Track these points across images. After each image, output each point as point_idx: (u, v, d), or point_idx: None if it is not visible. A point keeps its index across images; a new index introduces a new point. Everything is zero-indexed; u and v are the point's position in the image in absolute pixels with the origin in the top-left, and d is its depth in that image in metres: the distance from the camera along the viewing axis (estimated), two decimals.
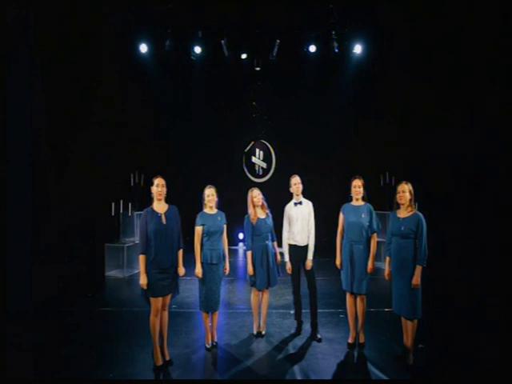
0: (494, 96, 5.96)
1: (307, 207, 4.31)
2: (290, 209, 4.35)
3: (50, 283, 5.81)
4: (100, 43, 6.89)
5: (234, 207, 5.48)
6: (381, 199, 6.95)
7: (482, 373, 3.54)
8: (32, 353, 3.90)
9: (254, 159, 9.18)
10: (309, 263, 4.22)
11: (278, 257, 4.32)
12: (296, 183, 4.29)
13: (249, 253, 4.16)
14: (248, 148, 9.15)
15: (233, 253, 7.62)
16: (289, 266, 4.27)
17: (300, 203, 4.30)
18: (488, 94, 6.07)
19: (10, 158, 5.11)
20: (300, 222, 4.24)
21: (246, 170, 9.17)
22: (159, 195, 3.56)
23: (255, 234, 4.15)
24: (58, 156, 6.64)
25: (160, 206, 3.59)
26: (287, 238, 4.31)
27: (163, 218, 3.55)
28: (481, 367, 3.62)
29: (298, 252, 4.26)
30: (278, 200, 4.75)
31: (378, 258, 5.65)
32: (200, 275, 3.86)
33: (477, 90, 6.26)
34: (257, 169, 9.17)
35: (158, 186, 3.57)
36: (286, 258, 4.29)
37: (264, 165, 9.16)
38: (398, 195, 3.64)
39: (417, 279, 3.46)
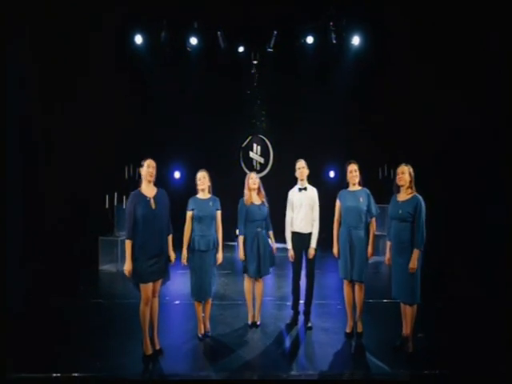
0: (495, 86, 5.89)
1: (312, 193, 4.15)
2: (293, 194, 4.17)
3: (42, 277, 5.67)
4: (97, 34, 6.78)
5: (231, 203, 5.32)
6: (379, 192, 6.83)
7: (483, 362, 3.42)
8: (25, 346, 3.73)
9: (251, 154, 9.06)
10: (311, 251, 4.07)
11: (274, 247, 4.17)
12: (300, 167, 4.12)
13: (240, 237, 4.06)
14: (245, 143, 9.03)
15: (231, 248, 7.50)
16: (291, 253, 4.11)
17: (305, 189, 4.13)
18: (490, 84, 5.99)
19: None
20: (304, 208, 4.08)
21: (243, 165, 9.04)
22: (150, 176, 3.43)
23: (248, 219, 4.02)
24: (51, 148, 6.53)
25: (149, 190, 3.46)
26: (290, 225, 4.14)
27: (152, 202, 3.41)
28: (481, 356, 3.50)
29: (301, 240, 4.09)
30: (276, 194, 4.63)
31: (377, 251, 5.53)
32: (185, 260, 3.74)
33: (479, 81, 6.18)
34: (254, 164, 9.05)
35: (149, 167, 3.44)
36: (289, 245, 4.13)
37: (262, 160, 9.04)
38: (397, 177, 3.56)
39: (413, 263, 3.37)
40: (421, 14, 6.70)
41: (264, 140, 9.06)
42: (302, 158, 4.28)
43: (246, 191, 4.08)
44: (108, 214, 6.58)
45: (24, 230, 5.73)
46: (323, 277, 5.93)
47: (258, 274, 4.05)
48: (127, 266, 3.30)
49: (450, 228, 6.31)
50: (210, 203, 3.82)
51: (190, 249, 3.76)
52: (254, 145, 9.10)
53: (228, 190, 5.22)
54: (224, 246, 4.03)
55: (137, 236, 3.32)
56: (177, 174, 8.66)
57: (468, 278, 5.54)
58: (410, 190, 3.51)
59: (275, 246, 4.20)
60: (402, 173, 3.52)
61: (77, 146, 6.68)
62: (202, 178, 3.81)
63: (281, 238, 4.31)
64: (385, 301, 4.84)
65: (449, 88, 6.56)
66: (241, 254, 4.05)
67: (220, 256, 3.89)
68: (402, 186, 3.54)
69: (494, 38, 5.83)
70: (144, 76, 7.77)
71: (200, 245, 3.71)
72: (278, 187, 5.59)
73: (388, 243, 3.71)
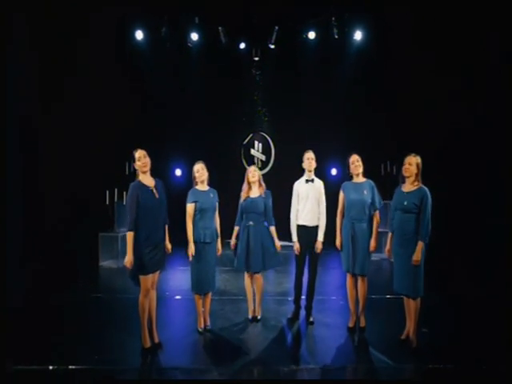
0: (496, 81, 5.83)
1: (319, 186, 4.07)
2: (299, 186, 4.08)
3: (42, 276, 5.62)
4: (97, 32, 6.76)
5: (232, 200, 5.26)
6: (382, 189, 6.75)
7: (486, 357, 3.35)
8: (24, 340, 3.69)
9: (252, 151, 9.01)
10: (319, 245, 3.98)
11: (278, 245, 4.08)
12: (309, 158, 4.05)
13: (235, 228, 4.07)
14: (246, 140, 8.99)
15: None
16: (297, 246, 4.01)
17: (312, 181, 4.06)
18: (491, 80, 5.93)
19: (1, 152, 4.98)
20: (310, 200, 3.99)
21: (244, 163, 8.99)
22: (144, 167, 3.41)
23: (243, 211, 4.00)
24: (51, 148, 6.51)
25: (148, 180, 3.44)
26: (295, 218, 4.05)
27: (155, 192, 3.40)
28: (485, 352, 3.44)
29: (307, 233, 3.99)
30: (277, 192, 4.55)
31: (379, 248, 5.45)
32: (192, 255, 3.67)
33: (480, 76, 6.11)
34: (256, 161, 8.99)
35: (141, 159, 3.41)
36: (294, 238, 4.03)
37: (263, 157, 8.99)
38: (403, 167, 3.47)
39: (418, 255, 3.28)
40: (423, 9, 6.64)
41: (265, 137, 9.00)
42: (304, 154, 4.21)
43: (244, 186, 4.04)
44: (108, 211, 6.55)
45: (24, 230, 5.71)
46: (325, 273, 5.85)
47: (248, 268, 3.99)
48: (129, 258, 3.21)
49: (450, 227, 6.21)
50: (211, 195, 3.78)
51: (194, 241, 3.70)
52: (256, 142, 9.04)
53: (229, 187, 5.17)
54: (225, 243, 4.00)
55: (140, 227, 3.26)
56: (178, 172, 8.61)
57: (468, 277, 5.46)
58: (416, 182, 3.42)
59: (279, 243, 4.10)
60: (409, 164, 3.42)
61: (77, 144, 6.65)
62: (201, 170, 3.76)
63: (282, 235, 4.23)
64: (388, 296, 4.76)
65: (451, 83, 6.49)
66: (232, 242, 4.09)
67: (220, 247, 3.88)
68: (407, 177, 3.44)
69: (494, 35, 5.79)
70: (144, 73, 7.73)
71: (205, 237, 3.67)
72: (279, 185, 5.53)
73: (389, 234, 3.64)
